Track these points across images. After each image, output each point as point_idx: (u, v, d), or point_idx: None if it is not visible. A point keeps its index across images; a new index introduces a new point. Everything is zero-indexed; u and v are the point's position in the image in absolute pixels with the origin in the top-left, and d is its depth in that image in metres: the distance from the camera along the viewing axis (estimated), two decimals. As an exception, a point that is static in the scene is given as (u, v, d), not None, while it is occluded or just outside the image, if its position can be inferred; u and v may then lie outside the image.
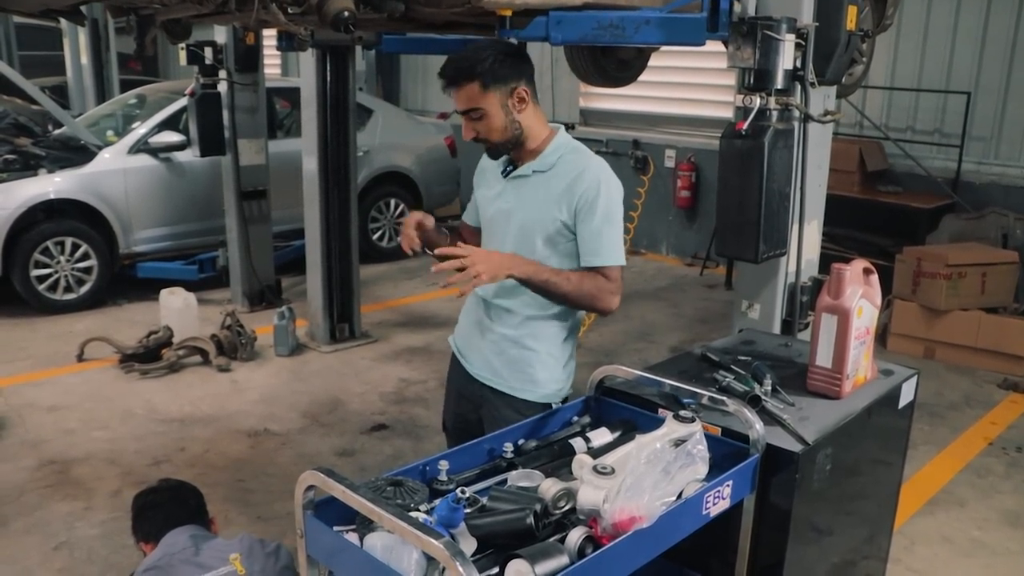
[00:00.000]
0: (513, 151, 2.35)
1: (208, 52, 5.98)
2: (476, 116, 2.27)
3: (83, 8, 4.32)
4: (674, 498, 1.64)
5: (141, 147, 6.63)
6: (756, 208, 2.82)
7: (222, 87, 6.13)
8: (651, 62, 4.83)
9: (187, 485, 2.72)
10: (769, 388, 2.15)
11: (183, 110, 6.67)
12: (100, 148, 6.56)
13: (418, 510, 1.63)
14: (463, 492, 1.64)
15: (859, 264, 2.23)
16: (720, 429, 1.97)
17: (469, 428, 2.47)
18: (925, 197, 6.76)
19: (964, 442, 4.57)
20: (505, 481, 1.84)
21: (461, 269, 2.10)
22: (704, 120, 8.40)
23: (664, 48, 4.13)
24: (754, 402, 2.04)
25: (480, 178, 2.54)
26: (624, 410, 2.16)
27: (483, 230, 2.49)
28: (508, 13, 2.87)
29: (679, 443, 1.71)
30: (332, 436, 4.53)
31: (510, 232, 2.35)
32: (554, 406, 2.30)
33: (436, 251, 2.17)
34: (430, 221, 2.44)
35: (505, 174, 2.40)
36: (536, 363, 2.38)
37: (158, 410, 4.79)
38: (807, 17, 2.87)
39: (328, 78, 5.50)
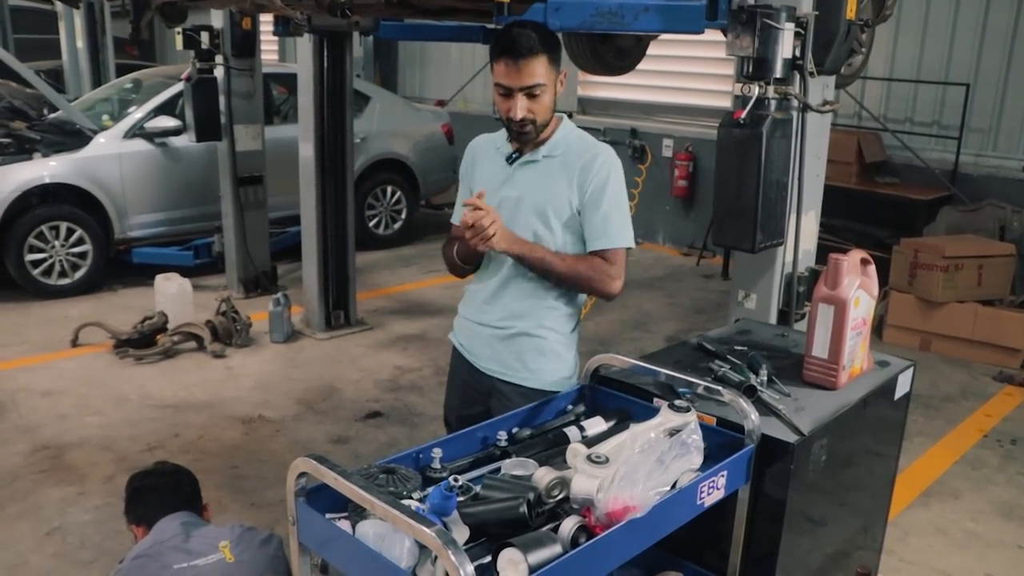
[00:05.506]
0: (538, 135, 2.29)
1: (204, 37, 5.93)
2: (536, 92, 2.19)
3: (78, -9, 4.29)
4: (668, 488, 1.64)
5: (137, 132, 6.59)
6: (753, 198, 2.81)
7: (218, 72, 6.09)
8: (650, 51, 4.80)
9: (183, 470, 2.71)
10: (765, 378, 2.15)
11: (179, 95, 6.61)
12: (95, 132, 6.52)
13: (411, 498, 1.62)
14: (456, 480, 1.63)
15: (856, 255, 2.22)
16: (715, 419, 1.97)
17: (475, 424, 2.41)
18: (923, 189, 6.76)
19: (959, 434, 4.58)
20: (499, 469, 1.84)
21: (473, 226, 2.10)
22: (702, 109, 8.38)
23: (663, 36, 4.10)
24: (750, 392, 2.03)
25: (471, 171, 2.45)
26: (619, 399, 2.16)
27: None
28: (506, -1, 2.85)
29: (674, 433, 1.70)
30: (326, 423, 4.52)
31: (521, 216, 2.30)
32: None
33: (468, 200, 2.17)
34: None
35: (511, 160, 2.34)
36: (546, 350, 2.36)
37: (152, 396, 4.78)
38: (807, 6, 2.85)
39: (325, 64, 5.46)
